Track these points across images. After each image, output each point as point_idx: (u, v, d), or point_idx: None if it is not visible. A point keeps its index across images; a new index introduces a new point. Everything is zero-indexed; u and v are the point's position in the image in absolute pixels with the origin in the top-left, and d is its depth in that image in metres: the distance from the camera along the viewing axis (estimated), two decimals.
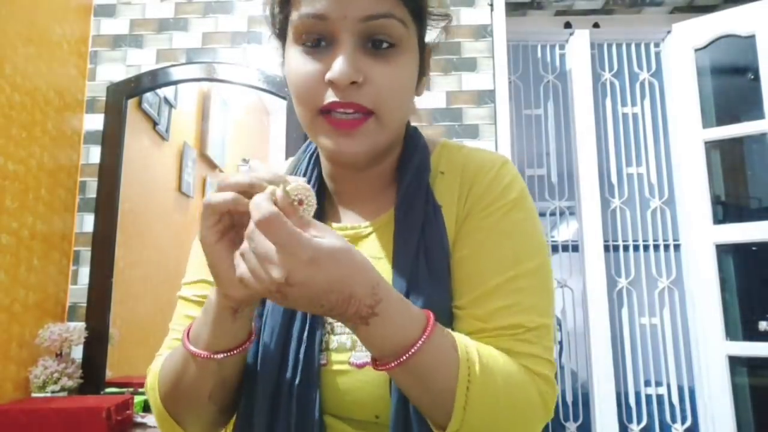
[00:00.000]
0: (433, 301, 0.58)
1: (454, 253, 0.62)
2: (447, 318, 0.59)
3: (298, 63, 0.59)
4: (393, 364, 0.51)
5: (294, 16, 0.58)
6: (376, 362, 0.53)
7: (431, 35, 0.66)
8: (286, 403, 0.59)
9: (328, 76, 0.56)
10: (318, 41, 0.58)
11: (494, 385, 0.53)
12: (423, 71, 0.65)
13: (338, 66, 0.55)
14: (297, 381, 0.59)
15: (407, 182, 0.64)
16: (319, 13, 0.56)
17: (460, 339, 0.55)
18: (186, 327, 0.60)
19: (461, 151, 0.69)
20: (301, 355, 0.60)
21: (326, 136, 0.59)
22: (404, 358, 0.50)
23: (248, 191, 0.50)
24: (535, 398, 0.56)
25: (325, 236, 0.48)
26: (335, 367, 0.61)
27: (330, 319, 0.62)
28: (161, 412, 0.61)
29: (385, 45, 0.57)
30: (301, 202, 0.50)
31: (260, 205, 0.46)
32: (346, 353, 0.61)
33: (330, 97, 0.57)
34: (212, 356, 0.56)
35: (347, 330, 0.61)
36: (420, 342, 0.51)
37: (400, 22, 0.57)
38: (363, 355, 0.60)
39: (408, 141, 0.68)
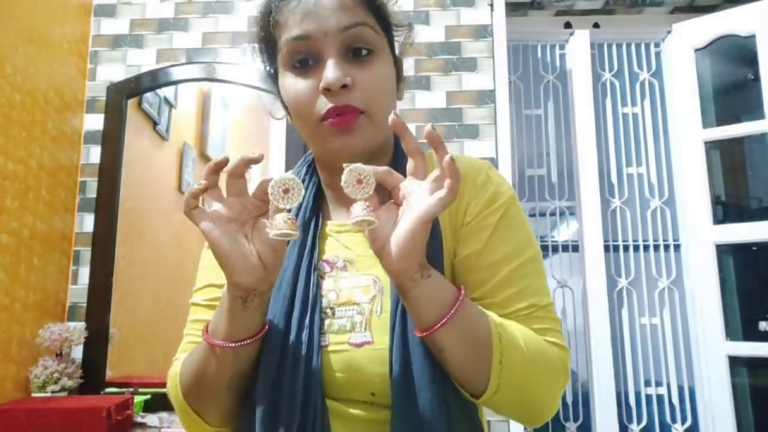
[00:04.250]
0: None
1: (463, 249, 0.68)
2: None
3: (293, 83, 0.67)
4: (446, 318, 0.57)
5: (282, 43, 0.68)
6: (423, 330, 0.58)
7: (399, 48, 0.75)
8: (290, 385, 0.62)
9: (322, 84, 0.64)
10: (306, 61, 0.66)
11: (518, 344, 0.60)
12: (400, 77, 0.75)
13: (329, 73, 0.63)
14: (301, 364, 0.63)
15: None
16: (303, 34, 0.65)
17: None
18: (204, 326, 0.64)
19: None
20: (304, 339, 0.64)
21: (329, 138, 0.66)
22: (454, 310, 0.57)
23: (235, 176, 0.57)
24: (556, 362, 0.64)
25: None
26: (334, 347, 0.65)
27: (330, 303, 0.67)
28: (183, 406, 0.67)
29: (364, 52, 0.66)
30: (287, 191, 0.53)
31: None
32: (345, 335, 0.66)
33: (326, 105, 0.65)
34: (228, 345, 0.60)
35: (347, 314, 0.66)
36: (460, 298, 0.58)
37: (372, 29, 0.67)
38: (361, 336, 0.65)
39: (399, 147, 0.75)
